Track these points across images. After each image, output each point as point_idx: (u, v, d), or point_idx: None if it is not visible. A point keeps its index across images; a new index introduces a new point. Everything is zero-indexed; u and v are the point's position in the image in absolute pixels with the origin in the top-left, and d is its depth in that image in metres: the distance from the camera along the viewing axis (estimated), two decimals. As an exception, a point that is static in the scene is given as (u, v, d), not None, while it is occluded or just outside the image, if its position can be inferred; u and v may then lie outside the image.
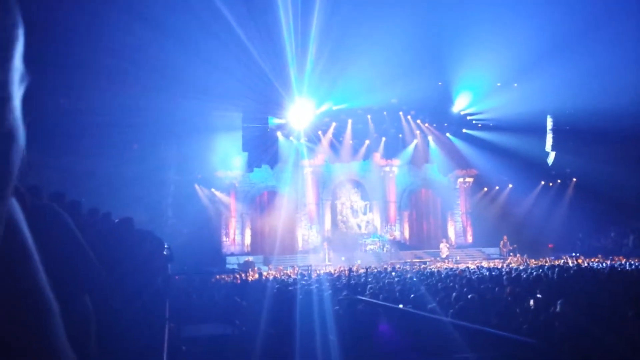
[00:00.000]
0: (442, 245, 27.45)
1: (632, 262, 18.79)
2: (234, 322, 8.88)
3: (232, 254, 27.46)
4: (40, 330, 0.77)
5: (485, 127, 31.41)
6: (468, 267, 18.82)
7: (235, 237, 29.10)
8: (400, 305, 7.34)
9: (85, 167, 20.69)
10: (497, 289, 9.79)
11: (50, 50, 19.32)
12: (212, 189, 28.65)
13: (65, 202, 4.61)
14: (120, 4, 20.18)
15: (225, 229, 29.19)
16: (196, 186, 28.18)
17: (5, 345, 0.74)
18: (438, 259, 26.00)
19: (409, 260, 24.11)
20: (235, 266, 22.25)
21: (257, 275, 17.60)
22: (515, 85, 29.21)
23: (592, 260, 22.37)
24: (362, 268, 17.53)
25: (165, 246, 5.97)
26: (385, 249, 28.44)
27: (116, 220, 5.99)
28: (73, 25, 19.68)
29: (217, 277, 16.15)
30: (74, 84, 20.77)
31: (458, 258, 26.14)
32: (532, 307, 7.40)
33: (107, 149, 22.31)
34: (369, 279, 12.60)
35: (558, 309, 7.01)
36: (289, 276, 17.87)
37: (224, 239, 29.05)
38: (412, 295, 9.02)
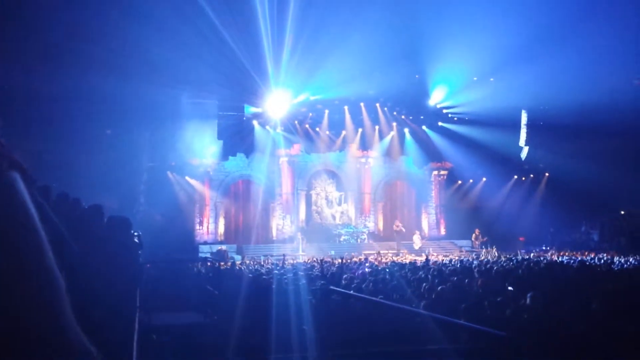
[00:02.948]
0: (415, 237, 27.64)
1: (602, 257, 19.20)
2: (206, 311, 8.81)
3: (205, 243, 27.28)
4: (51, 305, 0.79)
5: (460, 121, 31.66)
6: (443, 259, 19.03)
7: (209, 226, 28.90)
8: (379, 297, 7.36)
9: (56, 154, 20.29)
10: (467, 280, 9.90)
11: (21, 36, 18.87)
12: (186, 177, 28.36)
13: (35, 187, 4.50)
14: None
15: (198, 217, 28.96)
16: (169, 173, 27.86)
17: (17, 319, 0.75)
18: (408, 250, 26.21)
19: (382, 252, 24.26)
20: (208, 255, 22.11)
21: (229, 264, 17.51)
22: (491, 79, 29.47)
23: (561, 254, 22.83)
24: (336, 259, 17.59)
25: (135, 233, 5.87)
26: (359, 240, 28.58)
27: (86, 207, 5.87)
28: (44, 9, 19.22)
29: (190, 265, 16.03)
30: (44, 70, 20.31)
31: (430, 250, 26.40)
32: (502, 300, 7.49)
33: (79, 135, 21.90)
34: (343, 270, 12.63)
35: (528, 301, 7.11)
36: (263, 265, 17.83)
37: (198, 227, 28.83)
38: (385, 286, 9.07)
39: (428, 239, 29.96)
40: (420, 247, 26.60)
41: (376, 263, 16.62)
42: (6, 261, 0.77)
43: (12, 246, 0.78)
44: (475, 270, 12.34)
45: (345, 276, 10.46)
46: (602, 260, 17.31)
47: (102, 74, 20.78)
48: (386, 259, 20.77)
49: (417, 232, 28.88)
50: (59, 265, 0.86)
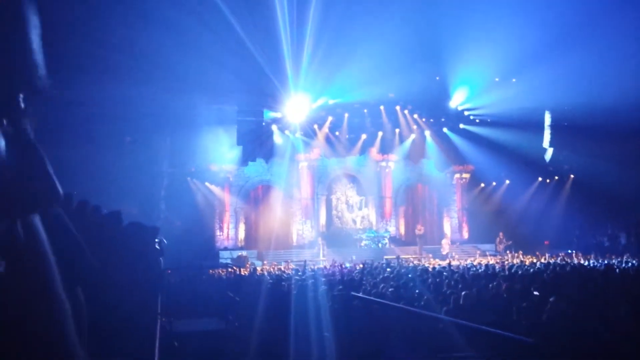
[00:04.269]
0: (443, 242, 27.54)
1: (629, 260, 18.76)
2: (227, 318, 8.78)
3: (225, 249, 27.34)
4: (54, 329, 0.77)
5: (482, 123, 31.30)
6: (467, 264, 18.79)
7: (229, 232, 28.97)
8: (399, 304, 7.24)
9: (77, 159, 20.46)
10: (492, 285, 9.71)
11: (43, 42, 19.10)
12: (206, 183, 28.49)
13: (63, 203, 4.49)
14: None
15: (219, 223, 29.05)
16: (189, 179, 28.00)
17: (21, 344, 0.72)
18: (431, 255, 25.96)
19: (404, 256, 24.06)
20: (229, 261, 22.13)
21: (250, 270, 17.50)
22: (514, 80, 29.10)
23: (587, 257, 22.39)
24: (358, 264, 17.44)
25: (157, 240, 5.86)
26: (380, 245, 28.38)
27: (105, 213, 5.86)
28: (65, 16, 19.46)
29: (211, 271, 16.05)
30: (65, 75, 20.55)
31: (454, 254, 26.12)
32: (528, 305, 7.32)
33: (100, 141, 22.10)
34: (364, 275, 12.51)
35: (553, 306, 6.94)
36: (283, 271, 17.76)
37: (218, 233, 28.92)
38: (408, 291, 8.94)
39: (451, 243, 29.66)
40: (447, 252, 26.36)
41: (398, 267, 16.44)
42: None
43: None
44: (500, 274, 12.12)
45: (366, 281, 10.35)
46: (630, 264, 16.91)
47: (122, 81, 20.97)
48: (408, 263, 20.56)
49: (447, 236, 28.76)
50: (73, 278, 0.84)
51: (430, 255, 26.15)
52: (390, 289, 9.07)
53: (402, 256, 23.88)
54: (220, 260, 23.22)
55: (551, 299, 7.07)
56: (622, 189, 26.74)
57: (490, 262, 19.76)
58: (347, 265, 18.85)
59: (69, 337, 0.80)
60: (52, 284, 0.80)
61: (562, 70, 26.24)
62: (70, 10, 19.07)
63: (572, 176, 31.89)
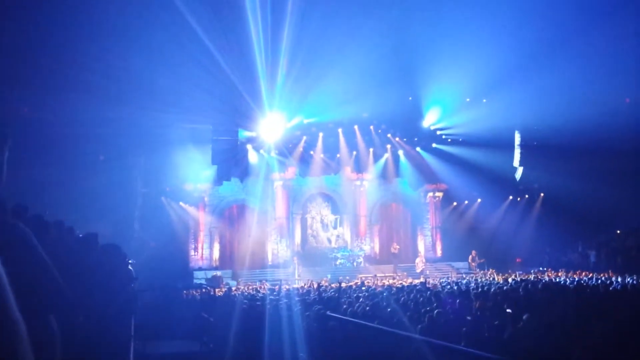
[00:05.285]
0: (417, 260, 27.70)
1: (598, 277, 19.11)
2: (202, 339, 8.70)
3: (200, 269, 27.05)
4: (7, 351, 0.76)
5: (454, 142, 31.72)
6: (441, 282, 18.92)
7: (204, 252, 28.71)
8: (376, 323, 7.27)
9: (50, 179, 20.19)
10: (465, 303, 9.82)
11: (14, 60, 18.90)
12: (180, 202, 28.25)
13: (27, 216, 4.46)
14: (87, 16, 19.87)
15: (193, 242, 28.80)
16: (164, 199, 27.75)
17: None
18: (407, 273, 26.10)
19: (379, 275, 24.14)
20: (203, 281, 21.91)
21: (224, 290, 17.36)
22: (484, 100, 29.64)
23: (558, 274, 22.73)
24: (333, 283, 17.42)
25: (130, 261, 5.82)
26: (355, 264, 28.42)
27: (80, 235, 5.82)
28: (39, 35, 19.30)
29: (185, 292, 15.87)
30: (37, 94, 20.33)
31: (428, 272, 26.28)
32: (500, 323, 7.43)
33: (73, 161, 21.81)
34: (339, 295, 12.51)
35: (524, 323, 7.06)
36: (258, 291, 17.67)
37: (192, 253, 28.65)
38: (383, 310, 8.98)
39: (425, 261, 29.83)
40: (422, 270, 26.52)
41: (373, 286, 16.49)
42: None
43: None
44: (473, 292, 12.26)
45: (342, 300, 10.37)
46: (600, 281, 17.24)
47: (96, 100, 20.80)
48: (383, 282, 20.64)
49: (420, 255, 28.97)
50: (45, 306, 0.85)
51: (405, 273, 26.29)
52: (366, 308, 9.11)
53: (378, 274, 23.97)
54: (195, 281, 22.96)
55: (524, 317, 7.20)
56: (592, 207, 27.27)
57: (464, 280, 19.96)
58: (323, 284, 18.84)
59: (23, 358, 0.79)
60: (4, 303, 0.80)
61: (531, 90, 26.86)
62: (43, 30, 18.94)
63: (542, 194, 32.45)
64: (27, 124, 20.36)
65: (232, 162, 28.83)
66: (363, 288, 15.23)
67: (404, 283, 18.80)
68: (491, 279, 20.96)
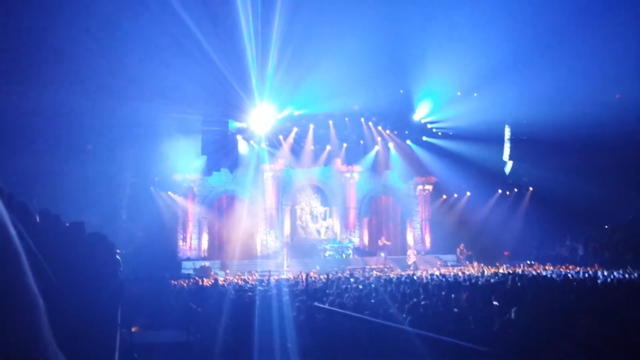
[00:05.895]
0: (409, 252, 27.78)
1: (585, 271, 19.27)
2: (189, 329, 8.68)
3: (188, 259, 27.00)
4: (30, 323, 0.79)
5: (445, 136, 31.84)
6: (429, 274, 18.99)
7: (192, 242, 28.63)
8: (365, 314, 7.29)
9: (38, 169, 20.05)
10: (453, 295, 9.86)
11: (3, 51, 18.69)
12: (169, 192, 28.13)
13: (13, 203, 4.39)
14: (77, 8, 19.67)
15: (182, 233, 28.70)
16: (152, 189, 27.60)
17: None
18: (396, 265, 26.18)
19: (367, 267, 24.20)
20: (191, 271, 21.86)
21: (213, 281, 17.33)
22: (475, 94, 29.74)
23: (545, 268, 22.89)
24: (322, 274, 17.45)
25: (117, 251, 5.78)
26: (344, 255, 28.45)
27: (67, 224, 5.74)
28: (27, 25, 19.08)
29: (173, 282, 15.83)
30: (26, 85, 20.14)
31: (417, 264, 26.39)
32: (487, 315, 7.46)
33: (60, 151, 21.66)
34: (328, 285, 12.53)
35: (512, 316, 7.09)
36: (247, 282, 17.65)
37: (181, 243, 28.55)
38: (371, 301, 9.00)
39: (416, 253, 29.95)
40: (413, 262, 26.61)
41: (362, 278, 16.53)
42: None
43: None
44: (461, 284, 12.31)
45: (329, 291, 10.38)
46: (587, 275, 17.37)
47: (85, 90, 20.66)
48: (371, 274, 20.69)
49: (411, 247, 29.12)
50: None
51: (393, 264, 26.36)
52: (354, 300, 9.12)
53: (367, 267, 24.02)
54: (183, 271, 22.92)
55: (513, 309, 7.23)
56: (580, 201, 27.48)
57: (452, 273, 20.04)
58: (312, 275, 18.86)
59: (44, 330, 0.81)
60: (27, 279, 0.82)
61: (522, 85, 27.01)
62: (32, 20, 18.74)
63: (531, 188, 32.65)
64: (16, 114, 20.17)
65: (222, 153, 28.76)
66: (352, 280, 15.26)
67: (392, 275, 18.85)
68: (479, 271, 21.07)
